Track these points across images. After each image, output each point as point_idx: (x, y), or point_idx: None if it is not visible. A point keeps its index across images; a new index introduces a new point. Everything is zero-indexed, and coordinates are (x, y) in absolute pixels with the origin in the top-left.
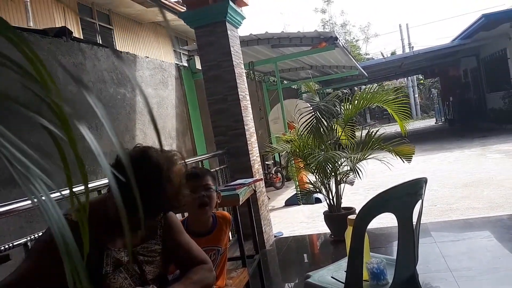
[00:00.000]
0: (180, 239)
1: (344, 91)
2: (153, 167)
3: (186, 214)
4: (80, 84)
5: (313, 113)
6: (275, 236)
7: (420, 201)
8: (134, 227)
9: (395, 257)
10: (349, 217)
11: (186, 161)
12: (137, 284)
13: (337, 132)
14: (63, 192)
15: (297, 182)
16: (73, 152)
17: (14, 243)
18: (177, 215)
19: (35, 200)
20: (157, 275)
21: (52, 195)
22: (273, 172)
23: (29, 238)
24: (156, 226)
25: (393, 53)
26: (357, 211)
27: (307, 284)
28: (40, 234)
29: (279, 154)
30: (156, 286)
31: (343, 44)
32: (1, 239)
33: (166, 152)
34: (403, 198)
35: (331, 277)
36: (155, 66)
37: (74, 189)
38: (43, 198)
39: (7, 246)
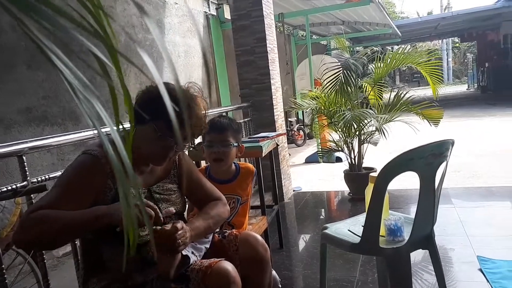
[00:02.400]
0: (193, 177)
1: (375, 49)
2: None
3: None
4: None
5: (340, 69)
6: (293, 190)
7: (445, 162)
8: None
9: (413, 217)
10: (371, 174)
11: (201, 91)
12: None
13: (366, 91)
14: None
15: (319, 140)
16: (119, 78)
17: (50, 175)
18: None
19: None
20: (173, 213)
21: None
22: (296, 129)
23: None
24: (170, 166)
25: (429, 13)
26: (378, 172)
27: (324, 234)
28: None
29: (302, 111)
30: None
31: None
32: (35, 173)
33: (183, 86)
34: (428, 158)
35: (348, 230)
36: (183, 13)
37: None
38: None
39: (44, 178)
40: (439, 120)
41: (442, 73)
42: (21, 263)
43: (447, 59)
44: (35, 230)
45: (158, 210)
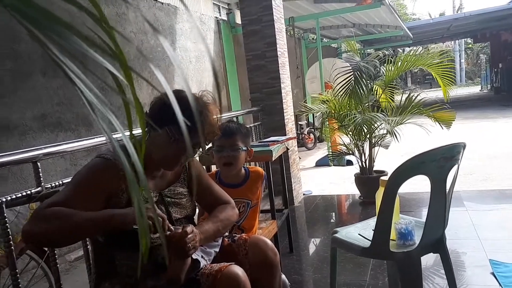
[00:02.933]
0: (202, 181)
1: (386, 52)
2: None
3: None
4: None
5: (352, 73)
6: (304, 194)
7: (456, 166)
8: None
9: (424, 220)
10: (382, 178)
11: (216, 103)
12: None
13: (377, 94)
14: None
15: (330, 143)
16: (132, 92)
17: (64, 181)
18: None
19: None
20: (183, 216)
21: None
22: (306, 133)
23: None
24: (180, 170)
25: (441, 14)
26: (389, 175)
27: (334, 238)
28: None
29: (313, 115)
30: (181, 226)
31: (390, 2)
32: (49, 179)
33: (196, 94)
34: (439, 161)
35: (358, 234)
36: (195, 19)
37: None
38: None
39: (58, 183)
40: (451, 123)
41: (454, 75)
42: (34, 268)
43: (460, 60)
44: (46, 224)
45: (165, 218)
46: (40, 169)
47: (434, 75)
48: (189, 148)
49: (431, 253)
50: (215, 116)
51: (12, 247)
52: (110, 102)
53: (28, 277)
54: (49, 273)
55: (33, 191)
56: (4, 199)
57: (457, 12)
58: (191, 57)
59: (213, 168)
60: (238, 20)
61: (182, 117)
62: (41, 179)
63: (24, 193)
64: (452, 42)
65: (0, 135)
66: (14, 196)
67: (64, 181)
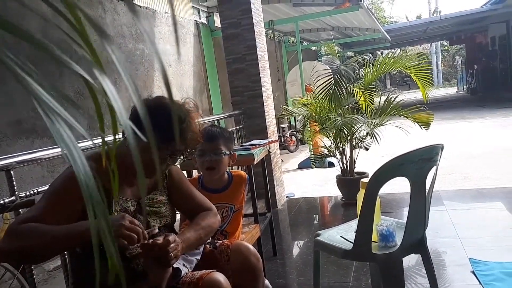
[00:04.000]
0: (183, 188)
1: (366, 57)
2: (169, 114)
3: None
4: (101, 34)
5: (332, 76)
6: (286, 197)
7: (435, 167)
8: (151, 173)
9: (405, 221)
10: (362, 180)
11: (199, 110)
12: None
13: (356, 96)
14: (90, 142)
15: (312, 146)
16: (106, 99)
17: (39, 189)
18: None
19: (64, 146)
20: (162, 224)
21: (80, 144)
22: (288, 135)
23: None
24: (160, 177)
25: (418, 17)
26: (370, 176)
27: (316, 241)
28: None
29: (294, 117)
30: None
31: (368, 5)
32: (25, 186)
33: (179, 101)
34: (418, 163)
35: (341, 236)
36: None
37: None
38: (71, 146)
39: (32, 192)
40: (430, 123)
41: (432, 76)
42: (10, 279)
43: (437, 62)
44: (20, 242)
45: (141, 229)
46: (13, 178)
47: (412, 76)
48: (171, 161)
49: (413, 255)
50: (198, 124)
51: None
52: (88, 108)
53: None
54: (26, 285)
55: (6, 200)
56: None
57: (433, 15)
58: (170, 61)
59: (195, 173)
60: (218, 23)
61: (149, 126)
62: (15, 188)
63: None
64: (429, 44)
65: None
66: None
67: (39, 190)
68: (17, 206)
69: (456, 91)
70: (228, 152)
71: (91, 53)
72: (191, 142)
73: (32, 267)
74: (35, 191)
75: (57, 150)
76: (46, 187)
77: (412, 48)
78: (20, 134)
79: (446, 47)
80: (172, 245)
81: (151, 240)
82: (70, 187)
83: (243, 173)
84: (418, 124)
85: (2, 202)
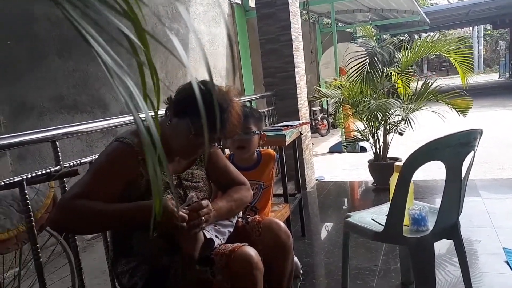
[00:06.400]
0: (219, 162)
1: (402, 38)
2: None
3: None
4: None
5: (366, 58)
6: (316, 180)
7: (472, 152)
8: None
9: (438, 207)
10: (396, 163)
11: (239, 94)
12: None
13: (392, 79)
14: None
15: (344, 130)
16: (150, 69)
17: (81, 160)
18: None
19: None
20: (200, 199)
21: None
22: (319, 119)
23: (93, 157)
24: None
25: None
26: (403, 161)
27: (347, 223)
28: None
29: (327, 101)
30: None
31: None
32: (66, 159)
33: (225, 87)
34: (455, 147)
35: (371, 219)
36: (208, 2)
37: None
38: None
39: (75, 163)
40: (468, 110)
41: (472, 62)
42: (52, 245)
43: (478, 47)
44: (74, 219)
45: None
46: (59, 148)
47: (452, 61)
48: (207, 147)
49: (445, 241)
50: (238, 115)
51: (33, 223)
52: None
53: (47, 253)
54: (68, 250)
55: (52, 169)
56: (25, 177)
57: None
58: (204, 41)
59: (226, 151)
60: (252, 3)
61: (205, 116)
62: (60, 158)
63: (44, 171)
64: (471, 28)
65: (20, 115)
66: (34, 174)
67: (82, 161)
68: (62, 175)
69: (498, 78)
70: (258, 132)
71: (134, 18)
72: (229, 133)
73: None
74: (78, 162)
75: (97, 124)
76: (87, 159)
77: (452, 32)
78: (61, 109)
79: (489, 31)
80: (204, 209)
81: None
82: (116, 164)
83: (271, 151)
84: (456, 110)
85: (48, 170)
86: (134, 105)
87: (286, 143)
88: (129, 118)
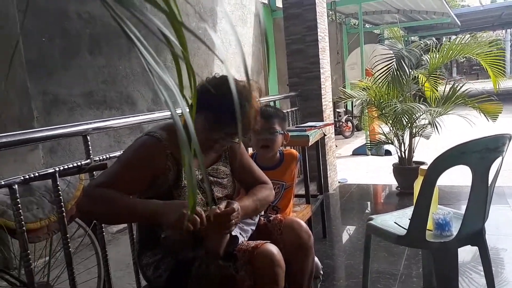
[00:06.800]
0: (243, 160)
1: (428, 42)
2: (230, 97)
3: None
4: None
5: (393, 60)
6: (339, 182)
7: (500, 158)
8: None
9: (463, 213)
10: (421, 167)
11: (261, 91)
12: (207, 200)
13: (419, 82)
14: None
15: (368, 132)
16: (185, 59)
17: (111, 155)
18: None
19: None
20: (223, 195)
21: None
22: (343, 121)
23: (122, 151)
24: (223, 150)
25: (493, 1)
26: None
27: (369, 225)
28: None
29: (352, 103)
30: (222, 204)
31: None
32: (95, 154)
33: (243, 81)
34: (482, 152)
35: (394, 222)
36: (235, 2)
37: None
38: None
39: (104, 157)
40: (498, 115)
41: (504, 65)
42: (80, 236)
43: (511, 50)
44: (101, 207)
45: (202, 213)
46: (89, 142)
47: (483, 64)
48: (225, 142)
49: (469, 249)
50: (256, 111)
51: (64, 214)
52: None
53: (75, 244)
54: (95, 241)
55: (82, 162)
56: (57, 169)
57: None
58: (230, 40)
59: (249, 151)
60: (279, 3)
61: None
62: (90, 152)
63: (75, 164)
64: (503, 31)
65: (52, 110)
66: (66, 167)
67: (110, 155)
68: (92, 168)
69: None
70: (282, 132)
71: (170, 12)
72: (243, 129)
73: (103, 226)
74: (107, 156)
75: (126, 120)
76: (117, 154)
77: (483, 34)
78: (91, 105)
79: None
80: (235, 213)
81: (219, 207)
82: (144, 157)
83: (294, 151)
84: (485, 115)
85: (79, 164)
86: (172, 101)
87: (310, 144)
88: (157, 115)
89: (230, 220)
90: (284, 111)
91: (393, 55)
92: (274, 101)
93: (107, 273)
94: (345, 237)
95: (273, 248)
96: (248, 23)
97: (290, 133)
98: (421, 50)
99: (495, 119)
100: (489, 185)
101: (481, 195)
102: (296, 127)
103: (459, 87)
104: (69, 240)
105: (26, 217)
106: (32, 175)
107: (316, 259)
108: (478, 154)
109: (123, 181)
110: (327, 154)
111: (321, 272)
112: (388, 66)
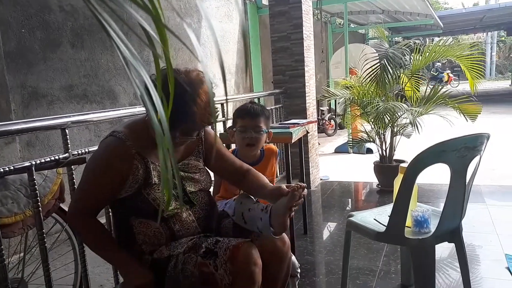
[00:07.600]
0: (222, 151)
1: (416, 41)
2: (178, 88)
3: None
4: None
5: (379, 60)
6: (321, 179)
7: (478, 156)
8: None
9: (441, 210)
10: (401, 164)
11: (205, 85)
12: (177, 195)
13: (402, 82)
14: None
15: (351, 130)
16: (165, 52)
17: (90, 149)
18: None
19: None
20: (197, 189)
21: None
22: (327, 119)
23: None
24: (195, 142)
25: (475, 4)
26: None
27: (349, 222)
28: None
29: (335, 101)
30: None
31: None
32: (74, 147)
33: (192, 73)
34: (461, 151)
35: (374, 219)
36: None
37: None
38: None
39: (83, 151)
40: (477, 115)
41: (483, 68)
42: (57, 232)
43: (491, 53)
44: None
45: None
46: (68, 136)
47: (462, 67)
48: (183, 140)
49: (447, 245)
50: (206, 102)
51: (40, 208)
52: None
53: (51, 240)
54: (72, 237)
55: (60, 156)
56: (34, 162)
57: (490, 2)
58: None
59: (232, 147)
60: (265, 1)
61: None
62: (69, 145)
63: (53, 158)
64: (484, 34)
65: (31, 103)
66: (43, 160)
67: (90, 150)
68: (70, 162)
69: (510, 85)
70: (267, 130)
71: (154, 12)
72: (196, 124)
73: None
74: (86, 150)
75: (106, 114)
76: (95, 148)
77: (465, 37)
78: (71, 99)
79: (503, 38)
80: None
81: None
82: (108, 163)
83: (273, 146)
84: (464, 115)
85: (57, 157)
86: (148, 96)
87: (293, 141)
88: (138, 109)
89: (301, 197)
90: (268, 108)
91: (378, 55)
92: (258, 98)
93: (84, 269)
94: (326, 233)
95: (252, 247)
96: (234, 19)
97: (273, 130)
98: (407, 51)
99: (475, 119)
100: (466, 183)
101: (458, 193)
102: (280, 124)
103: (439, 87)
104: (45, 235)
105: (1, 212)
106: (7, 169)
107: (293, 257)
108: (457, 153)
109: (95, 192)
110: (309, 152)
111: (298, 271)
112: (375, 66)
